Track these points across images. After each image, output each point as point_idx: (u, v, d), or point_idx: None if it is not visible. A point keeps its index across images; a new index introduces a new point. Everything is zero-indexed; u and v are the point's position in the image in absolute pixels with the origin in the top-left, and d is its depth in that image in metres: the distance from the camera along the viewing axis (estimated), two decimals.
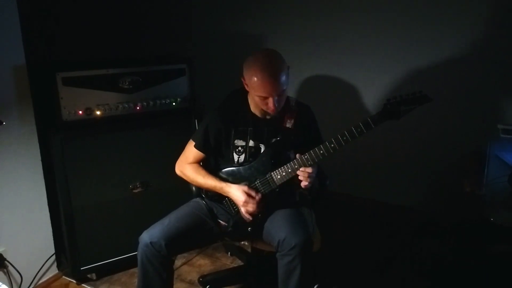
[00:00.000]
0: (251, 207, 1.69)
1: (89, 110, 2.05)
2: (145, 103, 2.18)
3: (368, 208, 2.87)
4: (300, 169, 1.64)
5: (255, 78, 1.61)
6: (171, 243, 1.65)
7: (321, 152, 1.60)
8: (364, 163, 2.84)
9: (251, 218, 1.73)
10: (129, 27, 3.24)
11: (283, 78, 1.62)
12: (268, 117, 1.76)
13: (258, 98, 1.66)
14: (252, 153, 1.77)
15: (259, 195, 1.71)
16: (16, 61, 1.95)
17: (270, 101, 1.63)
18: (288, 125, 1.76)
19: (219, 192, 1.77)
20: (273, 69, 1.60)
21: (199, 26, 3.22)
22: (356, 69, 2.77)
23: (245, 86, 1.70)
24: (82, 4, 2.94)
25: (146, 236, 1.66)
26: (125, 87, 2.12)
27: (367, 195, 2.90)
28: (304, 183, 1.65)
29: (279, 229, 1.65)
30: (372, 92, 2.73)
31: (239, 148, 1.78)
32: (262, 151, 1.77)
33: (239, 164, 1.79)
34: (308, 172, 1.63)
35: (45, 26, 2.70)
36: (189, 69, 2.29)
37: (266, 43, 2.98)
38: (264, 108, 1.69)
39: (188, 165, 1.83)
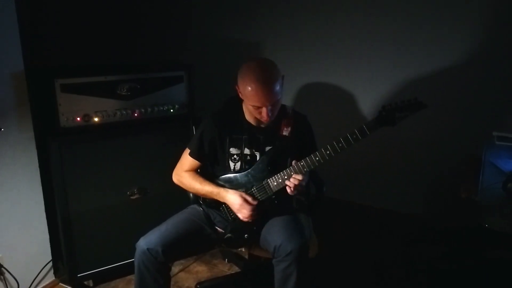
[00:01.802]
0: (246, 211, 1.70)
1: (87, 117, 2.05)
2: (143, 110, 2.19)
3: (365, 214, 2.88)
4: (291, 177, 1.64)
5: (249, 88, 1.62)
6: (168, 250, 1.65)
7: (317, 159, 1.61)
8: (361, 169, 2.85)
9: (250, 221, 1.73)
10: (127, 34, 3.26)
11: (277, 88, 1.63)
12: (262, 125, 1.77)
13: (251, 107, 1.67)
14: (247, 161, 1.78)
15: (256, 201, 1.72)
16: (14, 68, 1.96)
17: (264, 110, 1.64)
18: (285, 133, 1.77)
19: (215, 198, 1.77)
20: (267, 79, 1.61)
21: (198, 33, 3.24)
22: (352, 76, 2.78)
23: (239, 95, 1.71)
24: (81, 11, 2.96)
25: (143, 243, 1.66)
26: (123, 93, 2.13)
27: (364, 201, 2.90)
28: (289, 190, 1.65)
29: (275, 235, 1.65)
30: (368, 99, 2.74)
31: (235, 156, 1.79)
32: (258, 158, 1.77)
33: (235, 171, 1.79)
34: (299, 180, 1.62)
35: (44, 32, 2.72)
36: (187, 76, 2.30)
37: (264, 50, 3.00)
38: (258, 117, 1.70)
39: (184, 173, 1.84)
